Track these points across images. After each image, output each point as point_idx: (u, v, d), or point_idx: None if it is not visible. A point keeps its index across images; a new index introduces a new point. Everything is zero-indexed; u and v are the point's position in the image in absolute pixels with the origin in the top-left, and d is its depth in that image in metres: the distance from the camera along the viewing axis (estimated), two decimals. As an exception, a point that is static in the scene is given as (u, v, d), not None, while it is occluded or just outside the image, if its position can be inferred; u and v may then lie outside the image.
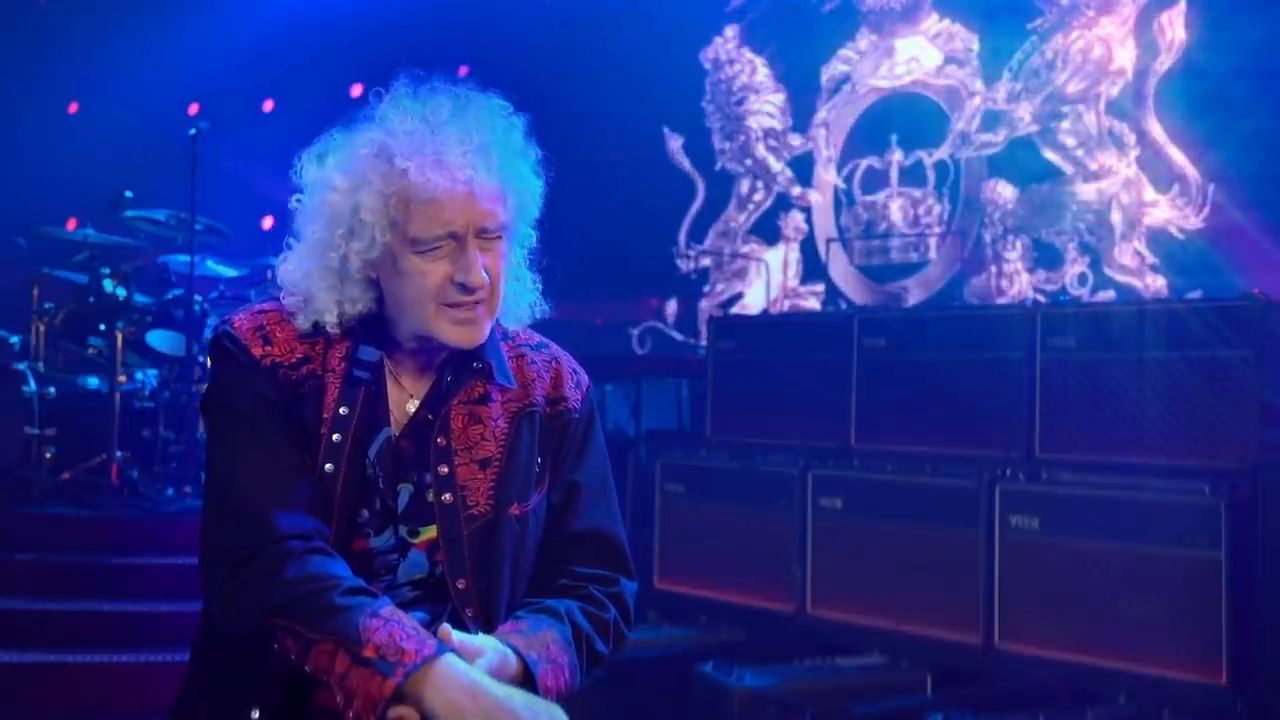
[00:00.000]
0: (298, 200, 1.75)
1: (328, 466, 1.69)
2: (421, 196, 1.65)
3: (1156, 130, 6.60)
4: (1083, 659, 3.66)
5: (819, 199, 8.29)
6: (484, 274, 1.69)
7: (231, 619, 1.65)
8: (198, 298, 6.07)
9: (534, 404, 1.83)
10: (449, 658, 1.55)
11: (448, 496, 1.73)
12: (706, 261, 8.82)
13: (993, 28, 7.33)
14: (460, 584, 1.73)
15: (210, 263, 6.42)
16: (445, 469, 1.74)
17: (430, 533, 1.74)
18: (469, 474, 1.75)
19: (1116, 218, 6.72)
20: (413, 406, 1.78)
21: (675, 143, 9.02)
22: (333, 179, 1.69)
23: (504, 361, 1.82)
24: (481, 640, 1.63)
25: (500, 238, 1.72)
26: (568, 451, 1.87)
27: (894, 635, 4.12)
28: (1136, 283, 6.63)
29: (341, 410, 1.70)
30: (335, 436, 1.69)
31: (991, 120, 7.32)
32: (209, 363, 1.78)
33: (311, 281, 1.73)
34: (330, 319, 1.73)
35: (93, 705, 4.17)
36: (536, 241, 1.84)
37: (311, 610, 1.57)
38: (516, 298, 1.82)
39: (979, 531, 3.93)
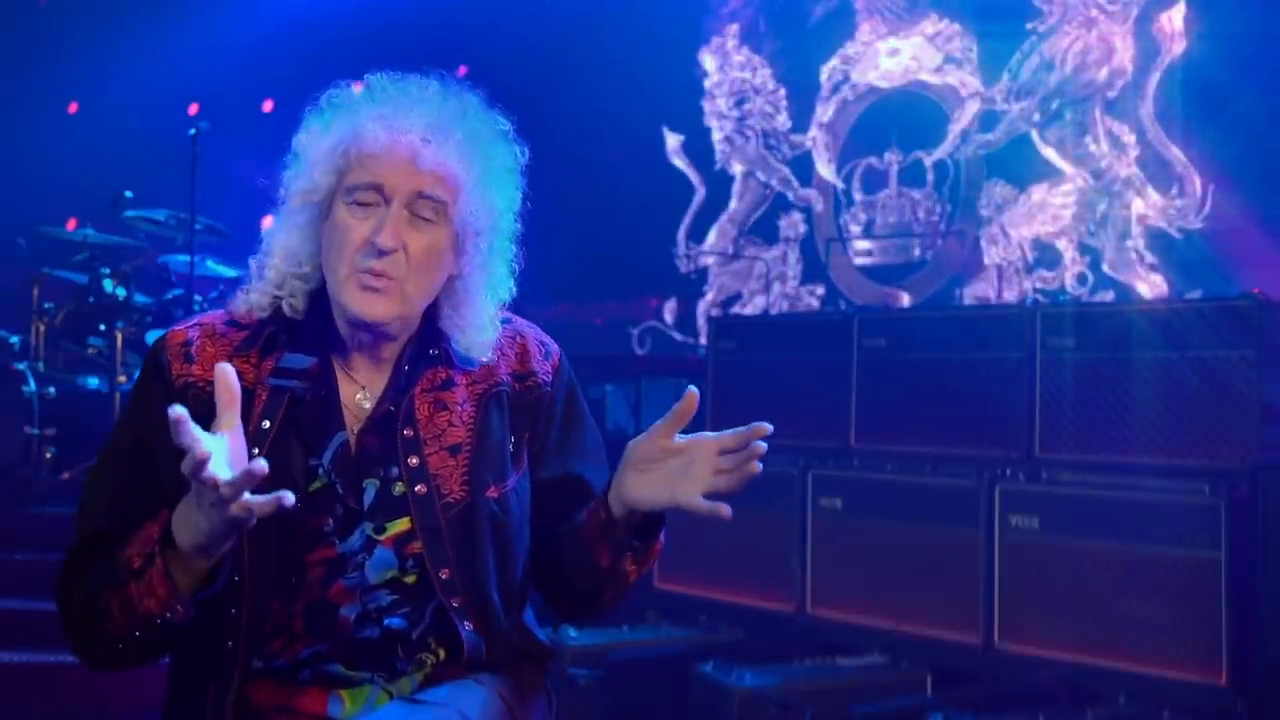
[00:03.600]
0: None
1: None
2: (364, 148, 1.66)
3: (1156, 130, 6.60)
4: (1083, 659, 3.66)
5: (819, 199, 8.29)
6: (401, 243, 1.65)
7: (76, 648, 1.67)
8: (198, 298, 6.08)
9: (500, 383, 1.80)
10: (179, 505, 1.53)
11: (420, 488, 1.70)
12: (706, 261, 8.82)
13: (992, 27, 7.34)
14: (444, 574, 1.69)
15: (210, 263, 6.43)
16: (415, 460, 1.71)
17: (397, 527, 1.70)
18: (440, 462, 1.72)
19: (1116, 217, 6.72)
20: (366, 400, 1.75)
21: (675, 142, 9.02)
22: (308, 124, 1.73)
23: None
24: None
25: (435, 222, 1.68)
26: (550, 428, 1.85)
27: (894, 635, 4.12)
28: (1136, 283, 6.63)
29: (264, 424, 1.67)
30: (254, 451, 1.64)
31: (990, 120, 7.32)
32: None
33: (270, 232, 1.76)
34: (274, 274, 1.73)
35: (93, 705, 4.17)
36: (514, 286, 1.81)
37: (98, 599, 1.59)
38: (472, 331, 1.78)
39: (979, 531, 3.93)
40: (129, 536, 1.58)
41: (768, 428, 1.59)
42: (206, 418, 1.55)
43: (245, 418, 1.65)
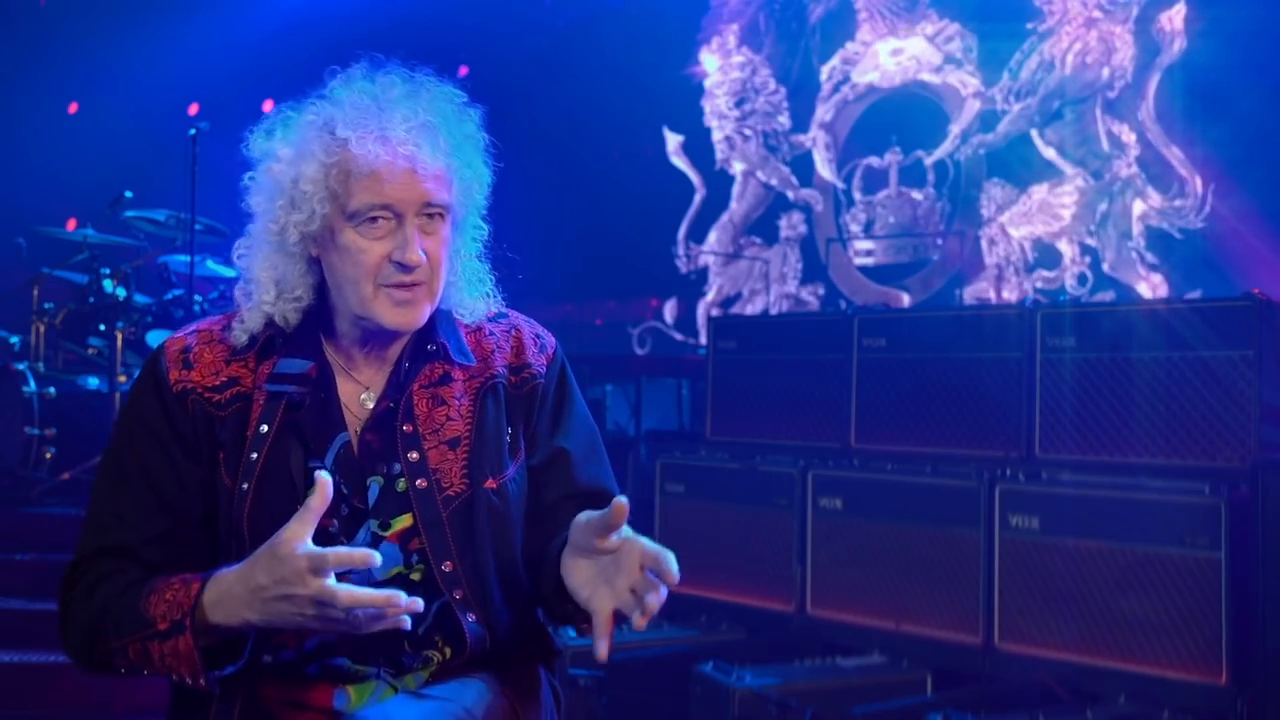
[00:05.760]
0: (249, 177, 1.74)
1: (244, 485, 1.67)
2: (362, 169, 1.63)
3: (1156, 130, 6.60)
4: (1083, 659, 3.66)
5: (819, 199, 8.29)
6: (422, 254, 1.67)
7: (72, 655, 1.67)
8: (197, 298, 6.07)
9: (495, 376, 1.82)
10: (210, 579, 1.57)
11: (421, 482, 1.72)
12: (706, 261, 8.82)
13: (992, 28, 7.35)
14: (446, 566, 1.71)
15: (210, 263, 6.43)
16: (415, 455, 1.72)
17: (401, 523, 1.71)
18: (440, 456, 1.73)
19: (1116, 217, 6.73)
20: (369, 399, 1.76)
21: (675, 142, 9.02)
22: (277, 150, 1.70)
23: (460, 340, 1.82)
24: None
25: (442, 219, 1.71)
26: (542, 417, 1.85)
27: (894, 635, 4.13)
28: (1136, 283, 6.64)
29: (262, 428, 1.69)
30: (253, 455, 1.67)
31: (990, 120, 7.32)
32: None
33: (253, 258, 1.73)
34: (267, 306, 1.72)
35: (93, 705, 4.17)
36: (489, 235, 1.84)
37: (109, 627, 1.60)
38: (469, 290, 1.82)
39: (979, 531, 3.94)
40: (152, 582, 1.60)
41: (674, 576, 1.50)
42: (204, 424, 1.68)
43: (243, 421, 1.69)
